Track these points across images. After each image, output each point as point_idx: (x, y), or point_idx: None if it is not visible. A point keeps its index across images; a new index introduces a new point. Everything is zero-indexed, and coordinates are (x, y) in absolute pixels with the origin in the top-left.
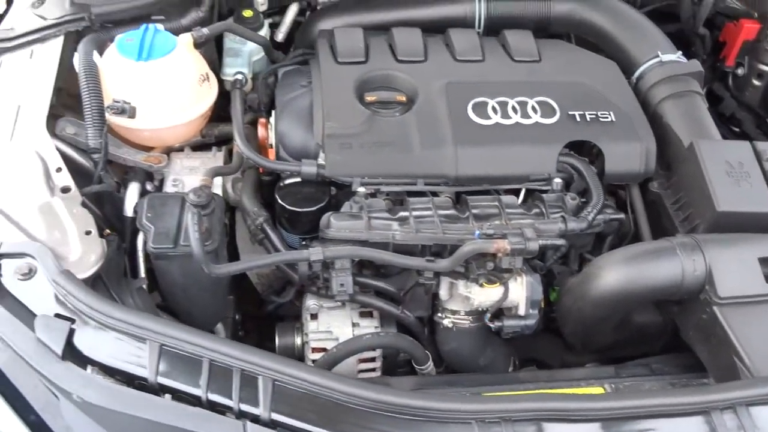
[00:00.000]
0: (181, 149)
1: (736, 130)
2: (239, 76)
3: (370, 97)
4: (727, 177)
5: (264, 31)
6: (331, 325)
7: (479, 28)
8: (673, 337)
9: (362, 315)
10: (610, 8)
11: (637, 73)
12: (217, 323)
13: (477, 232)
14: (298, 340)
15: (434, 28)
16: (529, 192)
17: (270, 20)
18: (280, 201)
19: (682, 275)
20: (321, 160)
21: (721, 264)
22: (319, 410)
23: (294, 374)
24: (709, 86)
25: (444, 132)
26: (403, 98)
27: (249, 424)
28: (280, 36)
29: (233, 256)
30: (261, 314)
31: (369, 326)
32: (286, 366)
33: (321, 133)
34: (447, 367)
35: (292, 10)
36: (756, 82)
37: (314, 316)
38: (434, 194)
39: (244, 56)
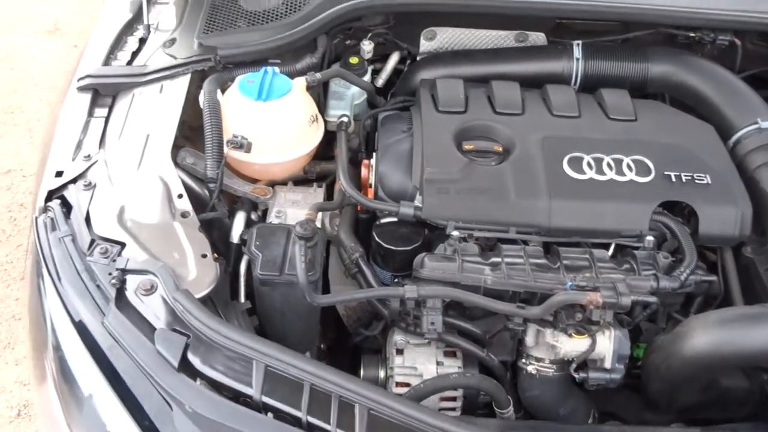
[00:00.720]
0: (284, 183)
1: None
2: (344, 119)
3: (468, 146)
4: None
5: (367, 77)
6: (416, 362)
7: (575, 85)
8: (759, 405)
9: (446, 354)
10: (708, 72)
11: (734, 138)
12: (308, 350)
13: (570, 283)
14: (381, 373)
15: (532, 83)
16: (619, 248)
17: (372, 66)
18: (377, 238)
19: None
20: (418, 203)
21: None
22: None
23: (389, 405)
24: None
25: (539, 183)
26: (500, 149)
27: None
28: (380, 82)
29: (324, 288)
30: (346, 345)
31: (453, 366)
32: (382, 396)
33: (420, 177)
34: (525, 414)
35: (394, 59)
36: None
37: (400, 352)
38: (525, 243)
39: (347, 100)
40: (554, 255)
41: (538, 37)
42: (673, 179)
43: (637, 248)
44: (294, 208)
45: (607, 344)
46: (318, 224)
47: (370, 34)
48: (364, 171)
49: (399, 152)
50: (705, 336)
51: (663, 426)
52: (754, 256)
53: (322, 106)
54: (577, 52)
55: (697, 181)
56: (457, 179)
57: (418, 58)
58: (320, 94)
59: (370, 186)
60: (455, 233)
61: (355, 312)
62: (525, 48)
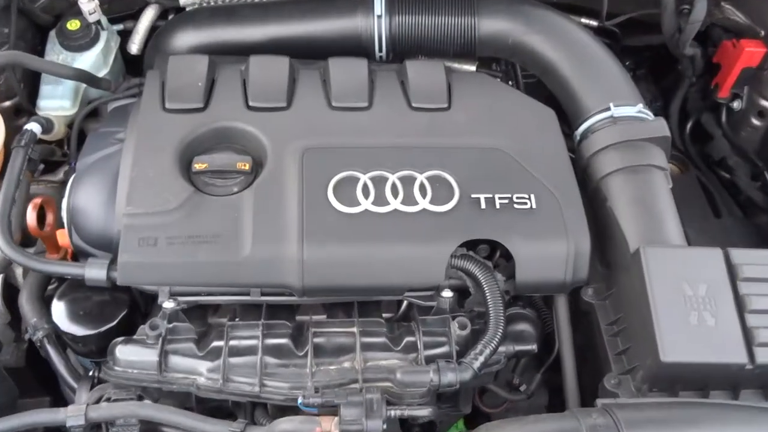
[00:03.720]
0: None
1: (726, 176)
2: (31, 125)
3: (199, 165)
4: (681, 307)
5: (103, 44)
6: None
7: (381, 52)
8: None
9: None
10: (553, 29)
11: (580, 129)
12: None
13: (300, 400)
14: None
15: (320, 53)
16: (410, 304)
17: (122, 26)
18: (53, 315)
19: None
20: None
21: None
22: None
23: None
24: (698, 118)
25: (289, 222)
26: (247, 165)
27: None
28: (134, 48)
29: None
30: None
31: None
32: None
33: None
34: None
35: (148, 16)
36: (755, 122)
37: None
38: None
39: (67, 84)
40: (304, 332)
41: None
42: (483, 205)
43: (431, 308)
44: None
45: None
46: None
47: None
48: (29, 217)
49: (104, 174)
50: None
51: None
52: (595, 301)
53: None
54: (379, 4)
55: (516, 205)
56: (171, 222)
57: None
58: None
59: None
60: (168, 304)
61: None
62: (310, 0)
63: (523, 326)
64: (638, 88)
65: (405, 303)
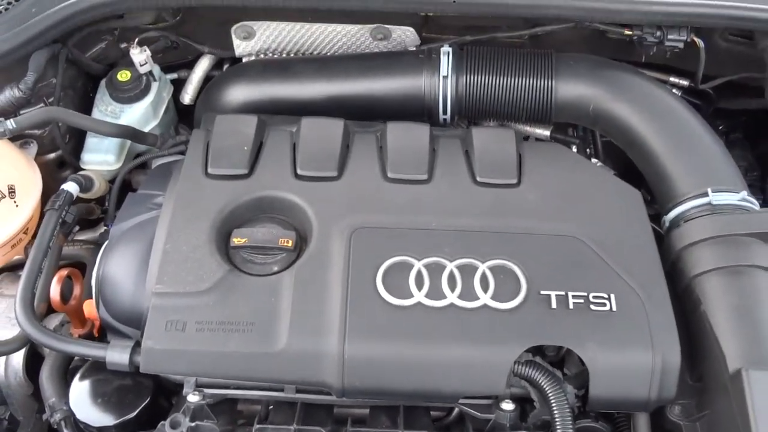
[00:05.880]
0: None
1: None
2: (68, 185)
3: (238, 239)
4: None
5: (153, 95)
6: None
7: (445, 114)
8: None
9: None
10: (642, 96)
11: (670, 216)
12: None
13: None
14: None
15: (380, 114)
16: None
17: (176, 75)
18: (71, 401)
19: None
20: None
21: None
22: None
23: None
24: None
25: (331, 311)
26: (290, 242)
27: None
28: (187, 98)
29: None
30: None
31: None
32: None
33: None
34: None
35: (202, 66)
36: None
37: None
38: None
39: (110, 139)
40: None
41: (405, 34)
42: (554, 304)
43: (487, 421)
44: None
45: None
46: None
47: (140, 37)
48: (54, 289)
49: (138, 244)
50: None
51: None
52: (683, 422)
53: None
54: (446, 64)
55: (593, 306)
56: (204, 305)
57: (230, 67)
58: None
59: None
60: (192, 397)
61: None
62: (369, 56)
63: None
64: (732, 154)
65: (456, 410)
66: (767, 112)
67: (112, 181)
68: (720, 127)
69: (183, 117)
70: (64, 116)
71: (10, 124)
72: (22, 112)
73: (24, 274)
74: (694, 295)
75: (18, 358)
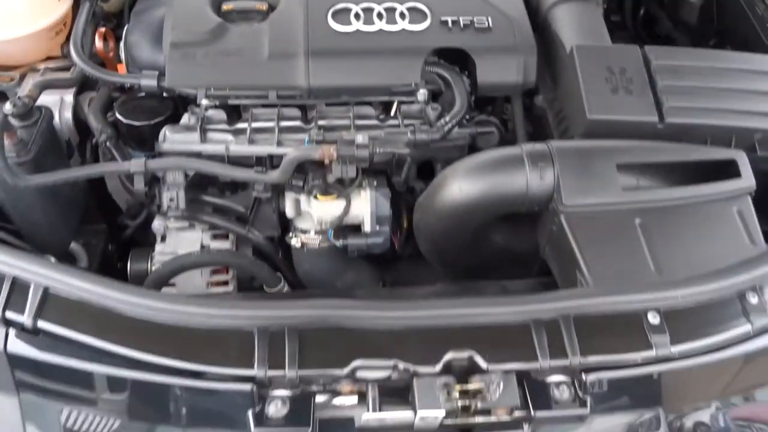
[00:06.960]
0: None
1: None
2: None
3: (227, 6)
4: (604, 84)
5: None
6: (178, 247)
7: None
8: (542, 268)
9: (216, 237)
10: None
11: None
12: (65, 246)
13: (306, 140)
14: (150, 266)
15: None
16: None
17: None
18: (117, 114)
19: (527, 183)
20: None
21: (572, 171)
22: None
23: (65, 280)
24: (646, 7)
25: (297, 40)
26: (264, 6)
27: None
28: None
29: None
30: (123, 240)
31: (221, 248)
32: (59, 273)
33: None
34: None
35: None
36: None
37: (163, 238)
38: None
39: None
40: (311, 116)
41: None
42: (450, 25)
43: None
44: (46, 96)
45: (364, 205)
46: (68, 107)
47: None
48: (98, 42)
49: (152, 19)
50: (455, 184)
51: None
52: (545, 105)
53: None
54: None
55: (477, 25)
56: (205, 41)
57: None
58: None
59: (121, 61)
60: (204, 102)
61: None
62: None
63: (486, 124)
64: None
65: (396, 104)
66: None
67: None
68: None
69: None
70: None
71: None
72: None
73: (74, 29)
74: (547, 22)
75: (67, 114)
